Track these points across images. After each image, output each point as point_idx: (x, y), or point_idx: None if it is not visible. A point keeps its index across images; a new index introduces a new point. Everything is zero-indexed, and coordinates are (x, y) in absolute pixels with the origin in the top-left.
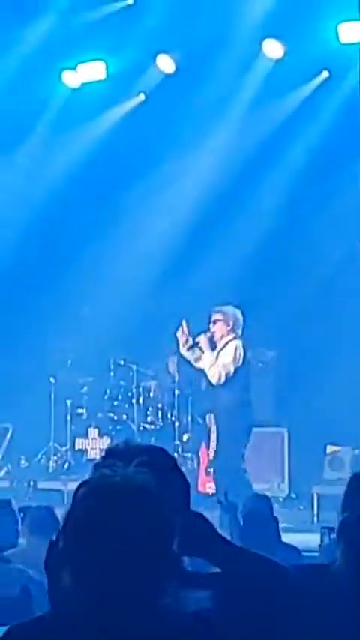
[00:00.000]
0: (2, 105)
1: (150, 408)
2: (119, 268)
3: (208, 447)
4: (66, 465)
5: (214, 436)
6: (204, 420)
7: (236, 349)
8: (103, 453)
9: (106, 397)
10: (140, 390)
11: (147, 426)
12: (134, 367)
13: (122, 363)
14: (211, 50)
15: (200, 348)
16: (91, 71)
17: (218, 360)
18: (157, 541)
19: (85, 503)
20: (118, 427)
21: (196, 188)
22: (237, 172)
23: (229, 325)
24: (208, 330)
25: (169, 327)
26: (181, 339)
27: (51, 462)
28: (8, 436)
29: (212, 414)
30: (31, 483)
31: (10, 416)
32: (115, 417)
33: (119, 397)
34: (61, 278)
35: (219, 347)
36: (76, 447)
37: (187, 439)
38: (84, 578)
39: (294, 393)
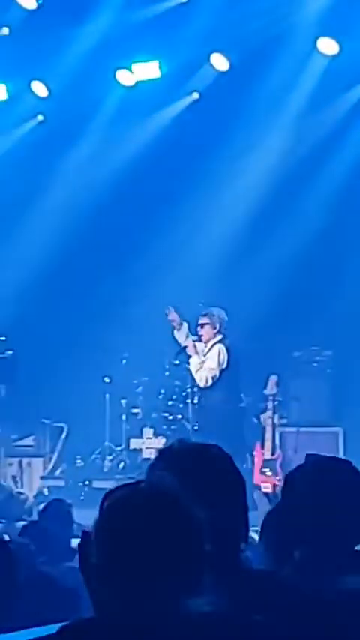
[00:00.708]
0: (59, 104)
1: None
2: (175, 268)
3: (262, 446)
4: (121, 464)
5: (268, 435)
6: (258, 419)
7: (219, 353)
8: (157, 453)
9: (160, 397)
10: (195, 389)
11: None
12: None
13: (177, 362)
14: (265, 48)
15: (188, 354)
16: (146, 70)
17: (204, 364)
18: (188, 543)
19: (113, 514)
20: (172, 427)
21: (250, 188)
22: (291, 172)
23: (215, 328)
24: (196, 334)
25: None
26: (174, 323)
27: (106, 461)
28: (64, 436)
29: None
30: (87, 483)
31: (66, 416)
32: (170, 417)
33: (174, 397)
34: (117, 277)
35: (205, 350)
36: (131, 447)
37: None
38: (120, 586)
39: (350, 392)
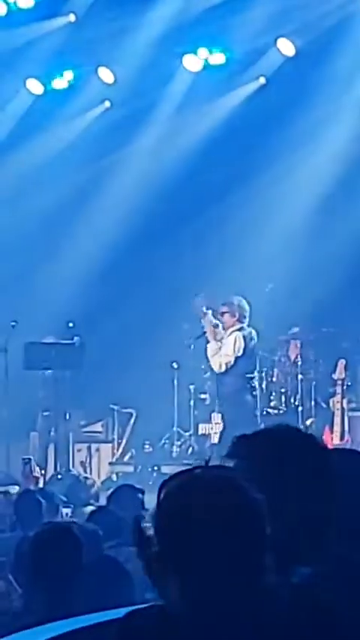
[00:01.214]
0: (126, 90)
1: (273, 393)
2: (244, 253)
3: (331, 430)
4: (189, 449)
5: (337, 419)
6: (327, 404)
7: (236, 340)
8: (234, 439)
9: None
10: (263, 375)
11: (270, 410)
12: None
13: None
14: (331, 33)
15: (206, 339)
16: (212, 55)
17: (221, 350)
18: (247, 526)
19: (170, 502)
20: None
21: (318, 171)
22: (359, 156)
23: (234, 316)
24: (218, 320)
25: (291, 311)
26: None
27: (174, 446)
28: (132, 421)
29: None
30: (155, 468)
31: (135, 402)
32: None
33: None
34: (186, 263)
35: (224, 337)
36: (200, 432)
37: (311, 423)
38: (181, 573)
39: None
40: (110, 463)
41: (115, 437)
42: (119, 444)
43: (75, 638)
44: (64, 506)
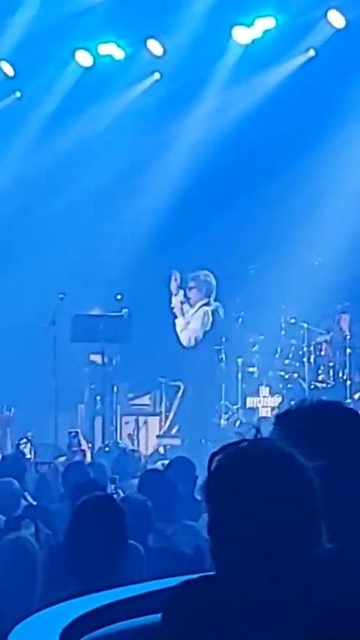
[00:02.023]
0: (175, 61)
1: (321, 367)
2: (298, 228)
3: None
4: (237, 423)
5: None
6: None
7: (204, 315)
8: (282, 411)
9: (277, 355)
10: (311, 348)
11: (318, 384)
12: (305, 325)
13: (293, 321)
14: None
15: (174, 313)
16: (262, 27)
17: (189, 325)
18: (297, 495)
19: (219, 474)
20: (289, 385)
21: None
22: None
23: (201, 291)
24: (185, 296)
25: (341, 285)
26: (173, 290)
27: (222, 420)
28: (180, 394)
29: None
30: (203, 441)
31: (182, 374)
32: (287, 376)
33: (290, 355)
34: (234, 237)
35: (192, 311)
36: (248, 406)
37: (359, 398)
38: (234, 545)
39: None
40: (158, 436)
41: (163, 410)
42: (167, 417)
43: (123, 607)
44: (112, 479)
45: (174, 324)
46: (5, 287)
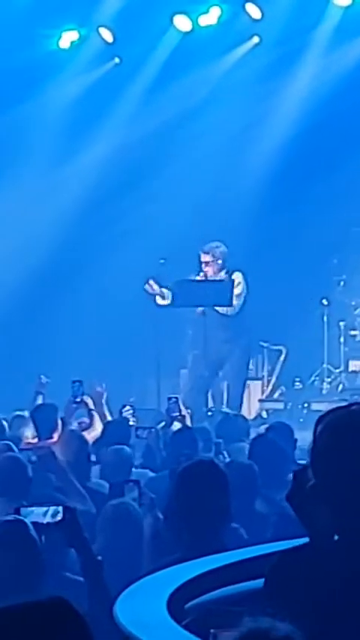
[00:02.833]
0: (274, 25)
1: None
2: None
3: None
4: (340, 386)
5: None
6: None
7: (240, 282)
8: None
9: None
10: None
11: None
12: None
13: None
14: None
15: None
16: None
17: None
18: None
19: (327, 437)
20: None
21: None
22: None
23: (219, 262)
24: (200, 271)
25: None
26: (154, 293)
27: (324, 383)
28: (282, 358)
29: None
30: (305, 405)
31: (284, 338)
32: None
33: None
34: (335, 201)
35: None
36: (350, 369)
37: None
38: (339, 507)
39: None
40: (260, 400)
41: (265, 374)
42: (269, 381)
43: (226, 573)
44: (216, 444)
45: (270, 288)
46: (108, 255)
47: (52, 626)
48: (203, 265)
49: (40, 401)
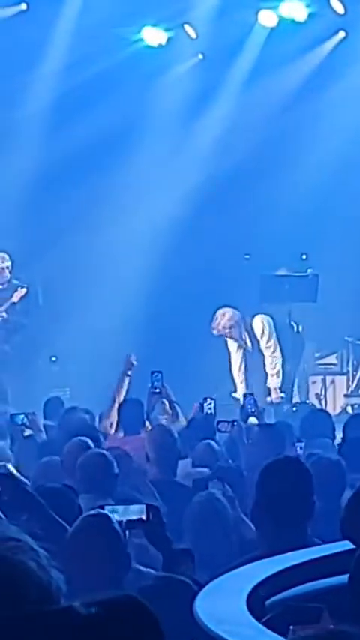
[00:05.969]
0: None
1: None
2: None
3: None
4: None
5: None
6: None
7: (263, 325)
8: None
9: None
10: None
11: None
12: None
13: None
14: None
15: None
16: None
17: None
18: None
19: None
20: None
21: None
22: None
23: (234, 324)
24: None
25: None
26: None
27: None
28: None
29: None
30: None
31: None
32: None
33: None
34: None
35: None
36: None
37: None
38: None
39: None
40: (345, 395)
41: (350, 369)
42: (354, 377)
43: (307, 569)
44: (299, 439)
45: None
46: (193, 251)
47: (124, 626)
48: (227, 331)
49: (126, 383)
